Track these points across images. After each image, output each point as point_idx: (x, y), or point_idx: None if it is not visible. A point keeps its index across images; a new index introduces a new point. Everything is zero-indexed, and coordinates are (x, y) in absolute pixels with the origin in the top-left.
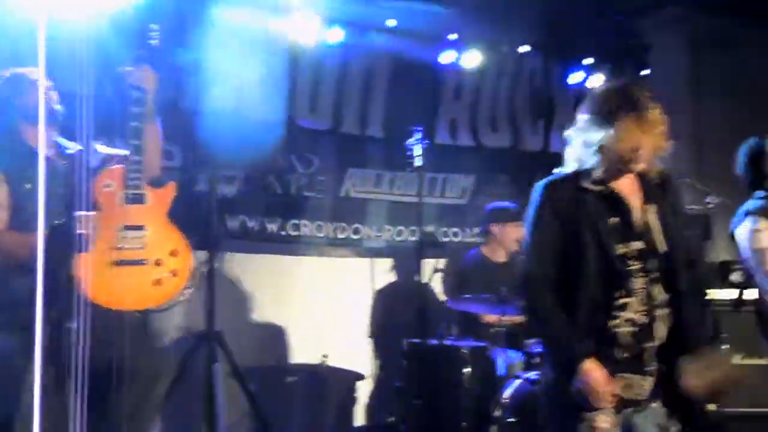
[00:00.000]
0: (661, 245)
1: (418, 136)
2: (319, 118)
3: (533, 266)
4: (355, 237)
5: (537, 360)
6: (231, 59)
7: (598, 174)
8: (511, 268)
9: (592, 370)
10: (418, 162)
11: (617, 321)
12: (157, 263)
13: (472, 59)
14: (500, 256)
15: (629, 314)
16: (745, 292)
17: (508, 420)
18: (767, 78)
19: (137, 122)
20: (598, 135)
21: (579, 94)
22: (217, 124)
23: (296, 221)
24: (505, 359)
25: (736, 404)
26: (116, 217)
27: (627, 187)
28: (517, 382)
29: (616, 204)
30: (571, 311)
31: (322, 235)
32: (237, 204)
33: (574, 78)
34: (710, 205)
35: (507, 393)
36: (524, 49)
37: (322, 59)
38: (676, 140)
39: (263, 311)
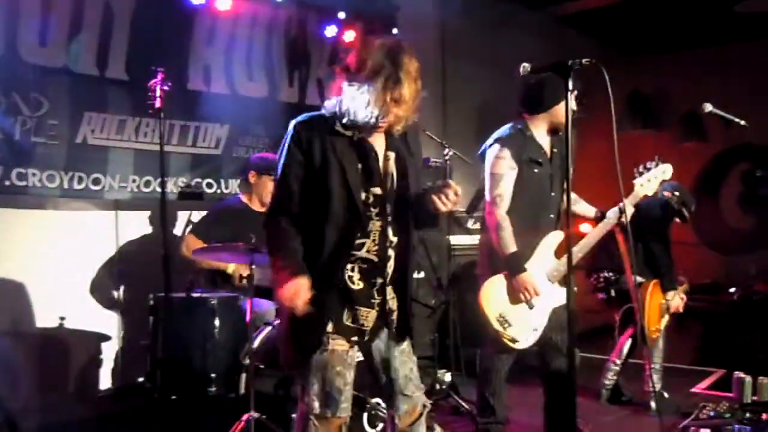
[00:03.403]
0: (396, 190)
1: (160, 77)
2: (49, 55)
3: (277, 202)
4: (95, 188)
5: None
6: None
7: (348, 121)
8: None
9: (296, 284)
10: (158, 104)
11: (354, 259)
12: None
13: (224, 2)
14: (256, 206)
15: (364, 253)
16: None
17: (258, 366)
18: (510, 50)
19: None
20: (364, 83)
21: (334, 47)
22: None
23: (22, 170)
24: (256, 308)
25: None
26: None
27: (373, 134)
28: (268, 329)
29: (364, 150)
30: (313, 247)
31: (54, 185)
32: None
33: (329, 32)
34: (447, 157)
35: (257, 341)
36: None
37: None
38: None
39: None
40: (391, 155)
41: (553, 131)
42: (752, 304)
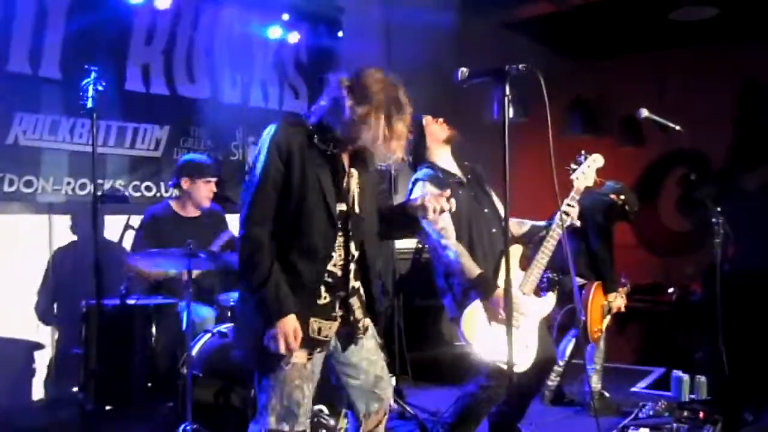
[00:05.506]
0: (357, 208)
1: (94, 75)
2: None
3: (256, 219)
4: (27, 190)
5: (229, 314)
6: None
7: (330, 135)
8: (203, 221)
9: (288, 325)
10: (90, 104)
11: (324, 272)
12: None
13: (164, 1)
14: (190, 212)
15: (330, 267)
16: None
17: (196, 374)
18: (454, 55)
19: None
20: (355, 109)
21: (279, 49)
22: None
23: None
24: (194, 314)
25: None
26: None
27: (343, 151)
28: (207, 336)
29: (335, 166)
30: (287, 259)
31: None
32: None
33: (273, 33)
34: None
35: (196, 348)
36: None
37: None
38: None
39: None
40: (354, 172)
41: (452, 151)
42: (689, 304)
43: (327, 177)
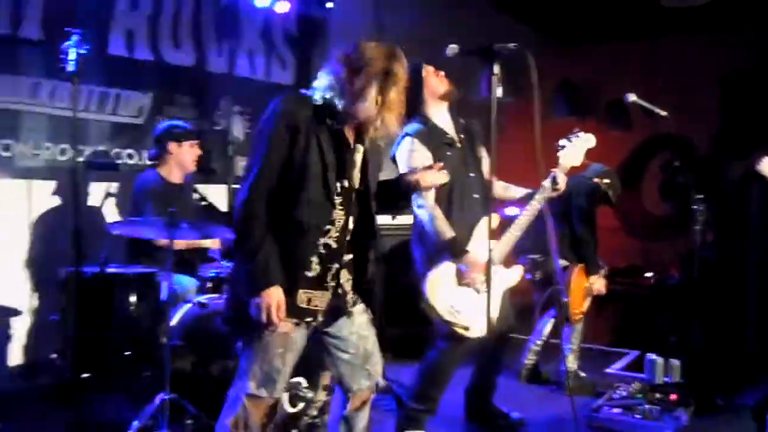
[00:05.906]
0: (358, 183)
1: (76, 38)
2: None
3: (256, 189)
4: (5, 155)
5: (210, 285)
6: None
7: (334, 111)
8: (187, 189)
9: (272, 296)
10: (71, 67)
11: (317, 245)
12: None
13: None
14: (176, 177)
15: (327, 240)
16: (398, 217)
17: (175, 345)
18: (443, 31)
19: None
20: (352, 82)
21: (267, 18)
22: None
23: None
24: (175, 284)
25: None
26: None
27: (349, 127)
28: (187, 306)
29: (340, 141)
30: (282, 229)
31: None
32: None
33: (262, 1)
34: None
35: (175, 318)
36: None
37: None
38: None
39: None
40: (359, 148)
41: (450, 108)
42: (667, 288)
43: (330, 152)
